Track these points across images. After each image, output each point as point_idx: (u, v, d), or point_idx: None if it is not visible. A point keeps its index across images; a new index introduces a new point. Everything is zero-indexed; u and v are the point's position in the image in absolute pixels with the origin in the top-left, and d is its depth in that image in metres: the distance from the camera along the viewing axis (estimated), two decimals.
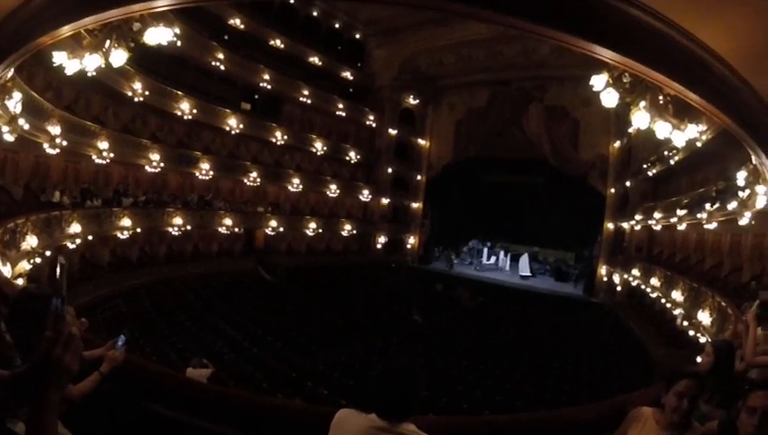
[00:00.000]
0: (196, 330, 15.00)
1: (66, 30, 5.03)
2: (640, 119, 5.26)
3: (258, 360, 13.47)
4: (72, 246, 14.41)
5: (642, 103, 5.29)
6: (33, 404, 1.19)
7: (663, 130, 5.29)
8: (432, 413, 5.76)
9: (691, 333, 12.55)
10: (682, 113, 5.41)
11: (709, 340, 9.89)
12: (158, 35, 4.98)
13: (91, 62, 4.93)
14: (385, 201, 31.21)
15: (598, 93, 5.96)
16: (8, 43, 5.34)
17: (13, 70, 7.23)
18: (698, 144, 11.83)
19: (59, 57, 5.17)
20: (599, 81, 5.38)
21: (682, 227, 15.23)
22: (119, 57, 4.92)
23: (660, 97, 5.21)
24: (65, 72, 5.16)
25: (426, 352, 15.17)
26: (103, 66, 5.11)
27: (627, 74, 5.28)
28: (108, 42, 5.03)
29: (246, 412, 3.65)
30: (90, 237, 15.43)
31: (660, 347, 14.83)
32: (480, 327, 18.94)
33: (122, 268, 18.39)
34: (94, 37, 4.89)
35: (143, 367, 3.99)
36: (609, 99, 5.30)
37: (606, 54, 4.65)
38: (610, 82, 5.33)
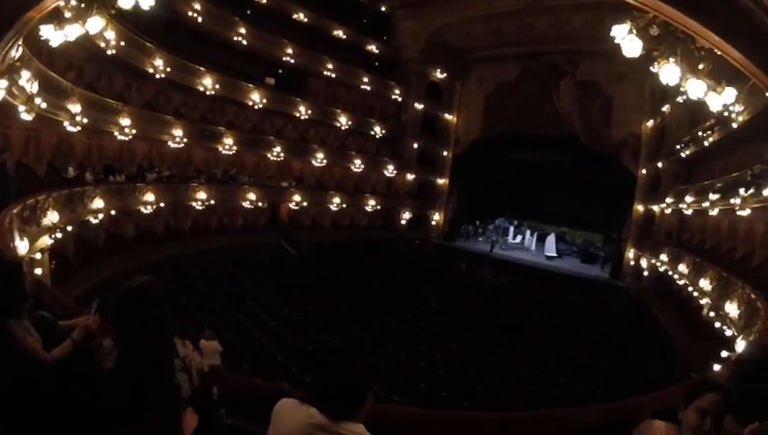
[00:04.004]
0: (216, 303, 15.20)
1: (51, 1, 4.90)
2: (669, 73, 4.78)
3: (275, 332, 13.58)
4: (94, 221, 14.66)
5: (671, 59, 4.83)
6: None
7: (696, 90, 4.80)
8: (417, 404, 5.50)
9: (717, 324, 11.90)
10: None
11: (736, 334, 9.32)
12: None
13: (72, 32, 4.86)
14: (410, 177, 30.81)
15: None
16: (3, 22, 5.28)
17: (21, 50, 7.21)
18: (734, 125, 11.05)
19: (46, 30, 5.08)
20: (620, 30, 4.92)
21: (714, 212, 14.45)
22: (95, 24, 4.79)
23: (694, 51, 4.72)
24: (50, 43, 5.08)
25: (441, 333, 15.05)
26: (85, 33, 5.06)
27: (654, 26, 4.81)
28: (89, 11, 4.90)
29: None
30: (113, 212, 15.66)
31: (684, 337, 14.22)
32: (501, 309, 18.61)
33: (147, 242, 18.71)
34: (75, 9, 4.76)
35: None
36: (632, 47, 4.83)
37: None
38: (634, 30, 4.87)
